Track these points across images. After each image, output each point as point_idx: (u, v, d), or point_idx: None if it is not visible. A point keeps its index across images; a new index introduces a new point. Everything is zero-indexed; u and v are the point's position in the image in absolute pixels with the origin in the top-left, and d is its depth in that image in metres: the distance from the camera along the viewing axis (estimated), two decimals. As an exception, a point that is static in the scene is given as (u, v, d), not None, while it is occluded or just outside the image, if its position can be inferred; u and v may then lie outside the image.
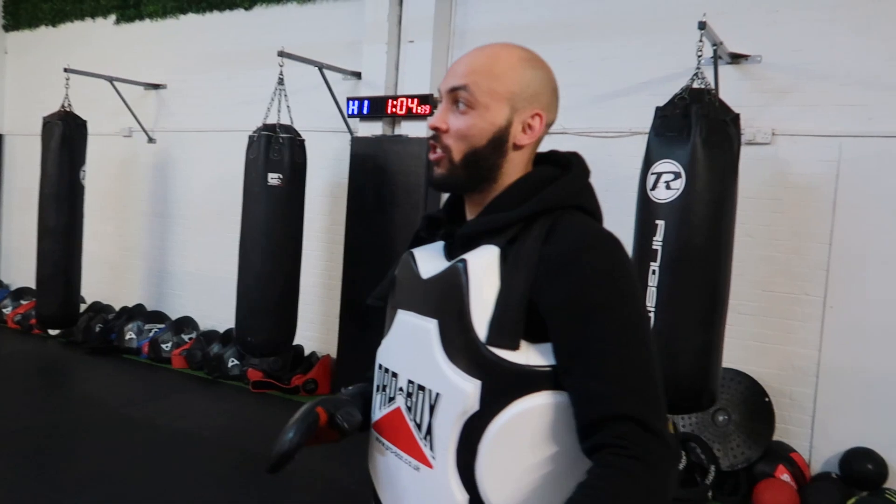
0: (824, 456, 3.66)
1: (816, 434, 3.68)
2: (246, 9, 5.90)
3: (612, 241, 0.96)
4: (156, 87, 6.47)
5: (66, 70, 5.72)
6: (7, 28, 7.70)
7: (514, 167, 1.03)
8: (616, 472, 0.86)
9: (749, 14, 3.89)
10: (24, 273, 7.27)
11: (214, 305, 5.96)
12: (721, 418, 3.76)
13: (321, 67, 4.89)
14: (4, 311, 6.79)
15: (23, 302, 6.84)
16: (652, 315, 3.08)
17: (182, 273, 6.31)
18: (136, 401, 4.76)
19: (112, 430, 4.18)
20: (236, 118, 5.90)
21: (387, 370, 1.08)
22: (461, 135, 1.00)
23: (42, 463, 3.61)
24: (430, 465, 0.96)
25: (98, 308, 6.44)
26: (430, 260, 1.06)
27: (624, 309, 0.92)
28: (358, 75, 5.14)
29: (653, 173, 3.14)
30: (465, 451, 0.93)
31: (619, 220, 4.24)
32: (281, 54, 4.59)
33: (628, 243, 4.20)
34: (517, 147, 1.02)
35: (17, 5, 7.57)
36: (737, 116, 3.15)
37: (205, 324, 6.02)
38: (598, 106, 4.40)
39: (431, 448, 0.96)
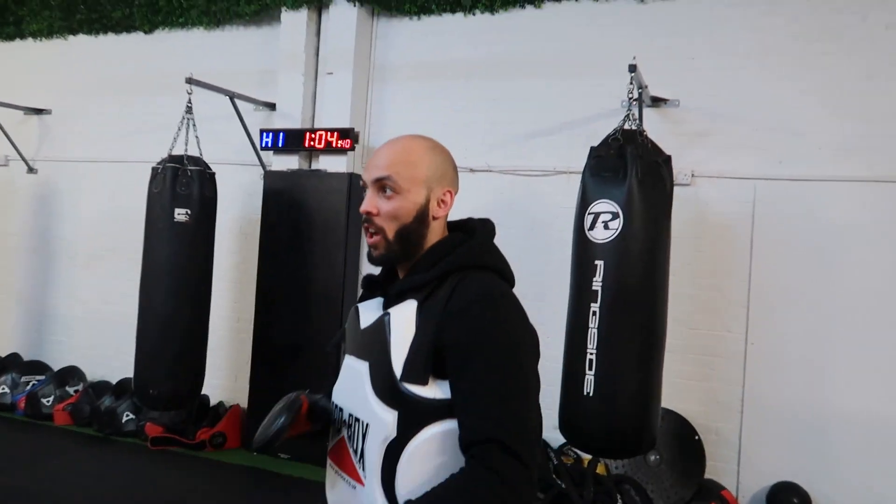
0: (751, 490, 3.72)
1: (743, 469, 3.75)
2: (146, 32, 5.51)
3: (503, 297, 1.20)
4: (38, 111, 5.90)
5: (-69, 90, 5.09)
6: None
7: (434, 234, 1.27)
8: (474, 479, 1.07)
9: (667, 60, 4.01)
10: None
11: (106, 353, 5.40)
12: (653, 458, 3.75)
13: (232, 97, 4.61)
14: None
15: None
16: (593, 357, 3.03)
17: (67, 317, 5.69)
18: (13, 466, 4.16)
19: (-17, 503, 3.61)
20: (132, 148, 5.46)
21: (336, 406, 1.30)
22: (391, 216, 1.23)
23: None
24: (362, 484, 1.18)
25: (-37, 358, 5.68)
26: (369, 312, 1.29)
27: (503, 352, 1.13)
28: (272, 106, 4.90)
29: (590, 213, 3.12)
30: (387, 471, 1.14)
31: (544, 259, 4.25)
32: (189, 81, 4.27)
33: (554, 280, 4.19)
34: (435, 218, 1.26)
35: None
36: (668, 158, 3.20)
37: (93, 374, 5.44)
38: (522, 144, 4.39)
39: (363, 469, 1.18)
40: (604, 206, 3.09)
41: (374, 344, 1.19)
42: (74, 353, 5.57)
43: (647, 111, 3.95)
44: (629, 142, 3.14)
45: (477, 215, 4.59)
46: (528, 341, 1.19)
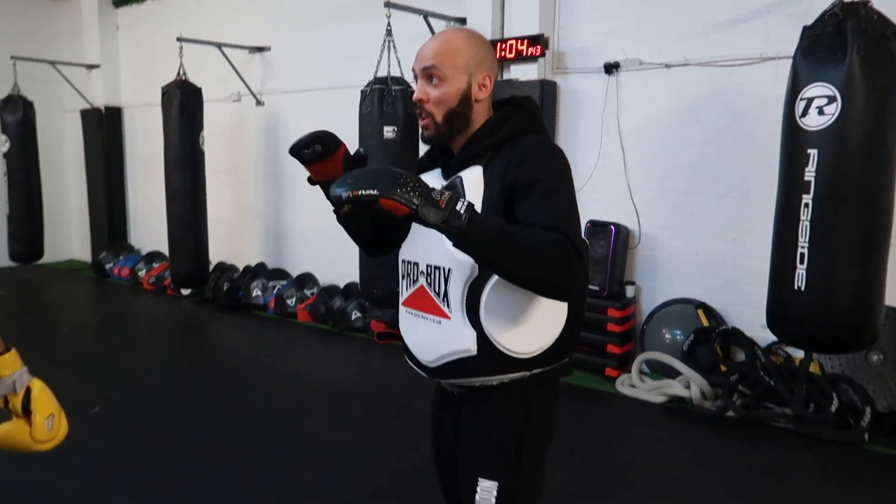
0: None
1: None
2: (344, -38, 5.86)
3: (553, 145, 1.42)
4: (260, 49, 6.60)
5: (178, 39, 5.91)
6: (117, 4, 8.02)
7: (479, 114, 1.45)
8: (551, 236, 1.25)
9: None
10: (152, 237, 7.75)
11: (332, 261, 6.14)
12: (875, 358, 3.55)
13: (426, 15, 4.82)
14: (139, 273, 7.28)
15: (155, 265, 7.31)
16: (805, 250, 2.91)
17: (298, 231, 6.53)
18: (273, 353, 5.04)
19: (256, 379, 4.44)
20: (342, 74, 5.94)
21: (408, 262, 1.53)
22: (438, 101, 1.42)
23: (200, 410, 3.90)
24: (448, 317, 1.42)
25: (223, 268, 6.79)
26: (433, 181, 1.48)
27: (560, 180, 1.35)
28: (462, 21, 5.03)
29: (802, 99, 2.91)
30: (471, 304, 1.38)
31: (749, 154, 4.03)
32: (387, 5, 4.54)
33: (762, 175, 3.97)
34: (478, 101, 1.44)
35: (124, -19, 7.86)
36: (900, 29, 2.85)
37: (324, 279, 6.24)
38: (723, 32, 4.10)
39: (448, 306, 1.41)
40: (818, 89, 2.86)
41: None
42: (307, 261, 6.41)
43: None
44: (850, 16, 2.84)
45: (675, 113, 4.47)
46: (572, 181, 1.39)
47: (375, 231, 1.69)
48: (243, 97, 6.78)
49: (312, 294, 6.00)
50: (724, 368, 3.97)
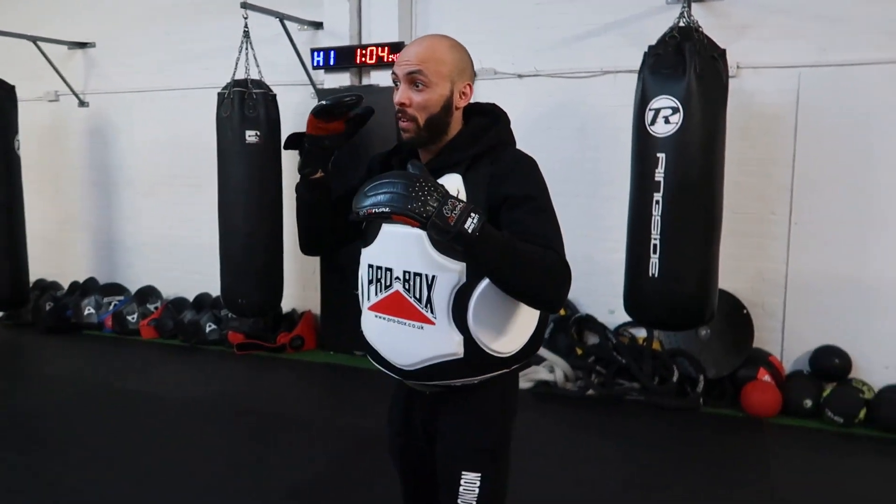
0: (795, 356, 4.11)
1: (787, 338, 4.12)
2: (181, -43, 5.55)
3: (533, 160, 1.47)
4: (82, 45, 6.01)
5: (-16, 30, 5.22)
6: None
7: (456, 121, 1.49)
8: (550, 258, 1.34)
9: (709, -47, 4.09)
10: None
11: (176, 273, 5.77)
12: (703, 332, 4.12)
13: (283, 19, 4.73)
14: (-68, 298, 6.25)
15: (-48, 287, 6.32)
16: (657, 241, 3.33)
17: (134, 242, 6.03)
18: (121, 375, 4.61)
19: (107, 406, 4.04)
20: (178, 76, 5.63)
21: (379, 267, 1.52)
22: (422, 106, 1.43)
23: (39, 449, 3.46)
24: (432, 323, 1.44)
25: (43, 286, 6.08)
26: None
27: (545, 196, 1.42)
28: (318, 25, 5.01)
29: (651, 109, 3.33)
30: (458, 310, 1.41)
31: (595, 157, 4.48)
32: (244, 6, 4.40)
33: (606, 176, 4.43)
34: (457, 108, 1.48)
35: None
36: (724, 52, 3.37)
37: (167, 292, 5.83)
38: (569, 47, 4.52)
39: (432, 312, 1.43)
40: (664, 101, 3.29)
41: None
42: (146, 275, 5.94)
43: (693, 7, 4.07)
44: (686, 38, 3.30)
45: (528, 120, 4.81)
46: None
47: (326, 222, 1.66)
48: (62, 97, 6.13)
49: (157, 308, 5.59)
50: (580, 352, 4.37)
